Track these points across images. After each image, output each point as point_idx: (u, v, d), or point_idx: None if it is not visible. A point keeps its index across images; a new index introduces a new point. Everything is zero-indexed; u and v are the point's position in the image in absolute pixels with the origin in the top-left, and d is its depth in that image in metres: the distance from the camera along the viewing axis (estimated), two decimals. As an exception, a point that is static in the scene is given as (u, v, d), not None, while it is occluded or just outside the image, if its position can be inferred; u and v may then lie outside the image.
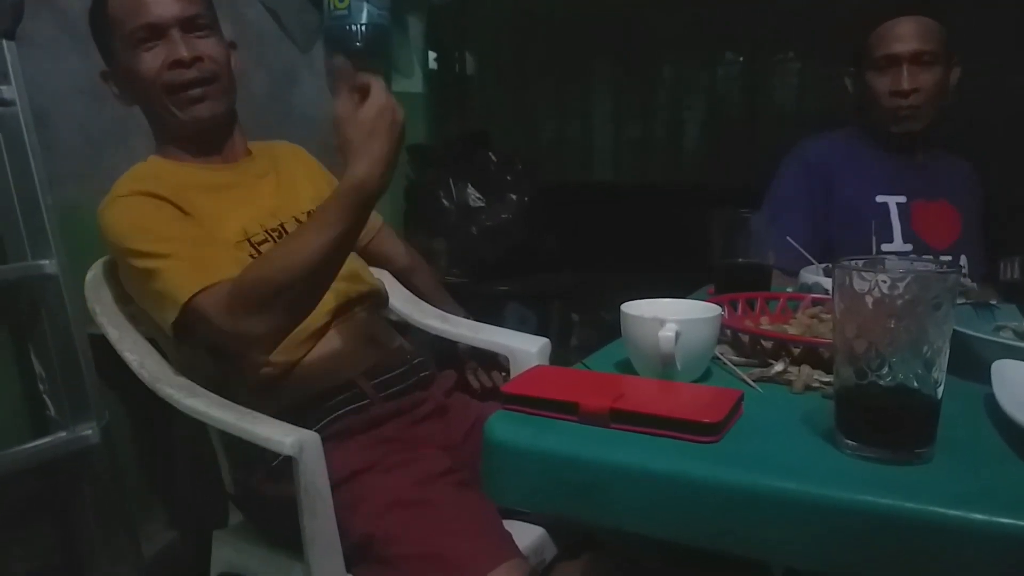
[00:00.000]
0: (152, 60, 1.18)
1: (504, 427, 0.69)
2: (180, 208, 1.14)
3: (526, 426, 0.69)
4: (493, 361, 1.37)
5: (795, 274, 1.22)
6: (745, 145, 3.06)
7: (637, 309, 0.82)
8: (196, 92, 1.20)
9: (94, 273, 1.22)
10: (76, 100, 1.63)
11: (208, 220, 1.18)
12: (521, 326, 2.40)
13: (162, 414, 1.21)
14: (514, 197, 2.45)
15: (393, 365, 1.23)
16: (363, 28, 2.28)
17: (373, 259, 1.50)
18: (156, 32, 1.18)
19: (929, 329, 0.58)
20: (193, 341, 1.12)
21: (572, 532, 1.14)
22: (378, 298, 1.35)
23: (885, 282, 0.59)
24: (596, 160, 3.35)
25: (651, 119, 3.30)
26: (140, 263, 1.09)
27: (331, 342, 1.21)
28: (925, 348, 0.59)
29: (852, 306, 0.60)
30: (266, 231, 1.23)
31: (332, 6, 2.30)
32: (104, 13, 1.20)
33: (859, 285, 0.60)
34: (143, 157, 1.28)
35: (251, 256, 1.19)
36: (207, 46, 1.21)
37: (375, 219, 1.54)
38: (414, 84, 2.62)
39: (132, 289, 1.16)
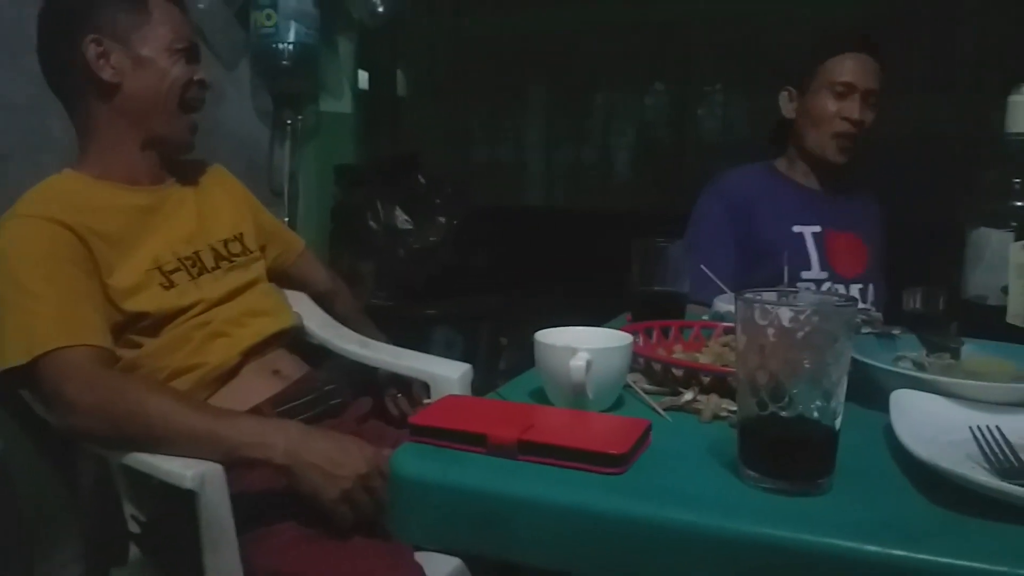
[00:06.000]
0: (183, 72, 1.22)
1: (409, 461, 0.68)
2: (82, 237, 1.10)
3: (432, 459, 0.67)
4: (408, 389, 1.35)
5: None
6: (674, 172, 3.13)
7: (550, 338, 0.82)
8: (195, 118, 1.27)
9: (-14, 295, 1.15)
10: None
11: (117, 245, 1.14)
12: (448, 350, 2.39)
13: (63, 445, 1.15)
14: (443, 220, 2.44)
15: (300, 393, 1.21)
16: (290, 47, 2.25)
17: (293, 283, 1.47)
18: (189, 52, 1.24)
19: (828, 361, 0.59)
20: (23, 389, 1.07)
21: (490, 563, 1.12)
22: (293, 334, 1.32)
23: (786, 315, 0.61)
24: (527, 184, 3.38)
25: (582, 145, 3.35)
26: (6, 289, 1.05)
27: (239, 379, 1.18)
28: (824, 380, 0.60)
29: (754, 338, 0.61)
30: (179, 259, 1.20)
31: (259, 24, 2.26)
32: (145, 6, 1.20)
33: (761, 318, 0.61)
34: (52, 173, 1.22)
35: (160, 285, 1.15)
36: (209, 78, 1.29)
37: (296, 242, 1.51)
38: (343, 104, 2.59)
39: None
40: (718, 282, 1.19)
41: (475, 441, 0.68)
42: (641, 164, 3.22)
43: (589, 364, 0.75)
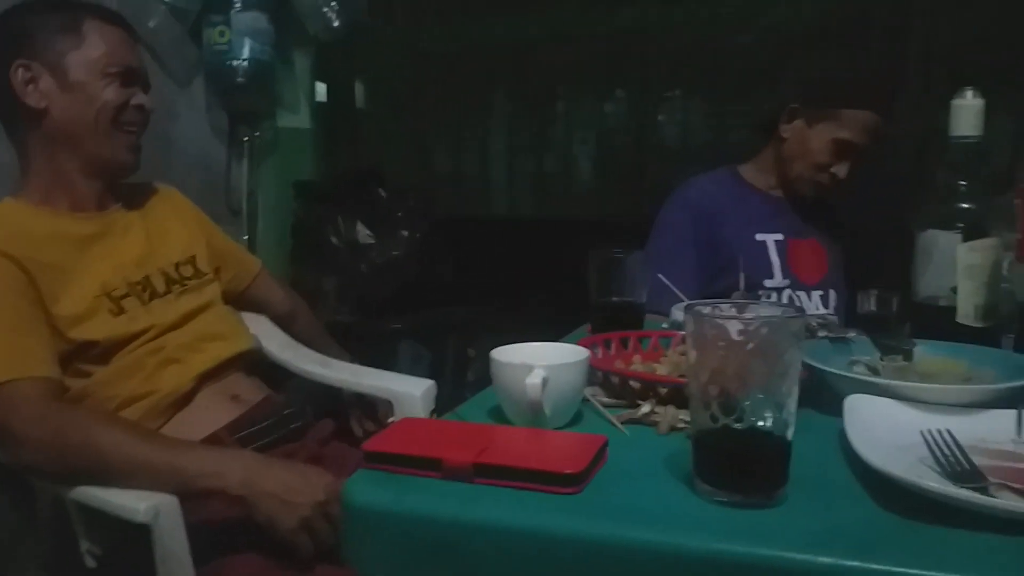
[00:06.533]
0: (116, 96, 1.19)
1: (363, 489, 0.66)
2: (24, 268, 1.07)
3: (386, 486, 0.66)
4: (373, 408, 1.33)
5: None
6: (637, 178, 3.14)
7: (506, 355, 0.81)
8: (135, 141, 1.23)
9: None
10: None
11: (62, 274, 1.11)
12: (415, 364, 2.37)
13: (19, 479, 1.12)
14: (405, 233, 2.42)
15: (259, 418, 1.19)
16: (245, 64, 2.22)
17: (250, 305, 1.44)
18: (128, 77, 1.20)
19: (778, 372, 0.60)
20: None
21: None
22: (251, 357, 1.30)
23: (735, 328, 0.61)
24: (490, 195, 3.38)
25: (545, 154, 3.36)
26: None
27: (194, 405, 1.16)
28: (775, 391, 0.60)
29: (704, 351, 0.61)
30: (129, 284, 1.17)
31: (212, 40, 2.23)
32: (79, 30, 1.17)
33: (710, 331, 0.61)
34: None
35: (109, 312, 1.12)
36: (149, 102, 1.25)
37: (252, 264, 1.49)
38: (301, 119, 2.57)
39: None
40: (676, 291, 1.19)
41: (430, 466, 0.67)
42: (604, 171, 3.23)
43: (545, 381, 0.74)
